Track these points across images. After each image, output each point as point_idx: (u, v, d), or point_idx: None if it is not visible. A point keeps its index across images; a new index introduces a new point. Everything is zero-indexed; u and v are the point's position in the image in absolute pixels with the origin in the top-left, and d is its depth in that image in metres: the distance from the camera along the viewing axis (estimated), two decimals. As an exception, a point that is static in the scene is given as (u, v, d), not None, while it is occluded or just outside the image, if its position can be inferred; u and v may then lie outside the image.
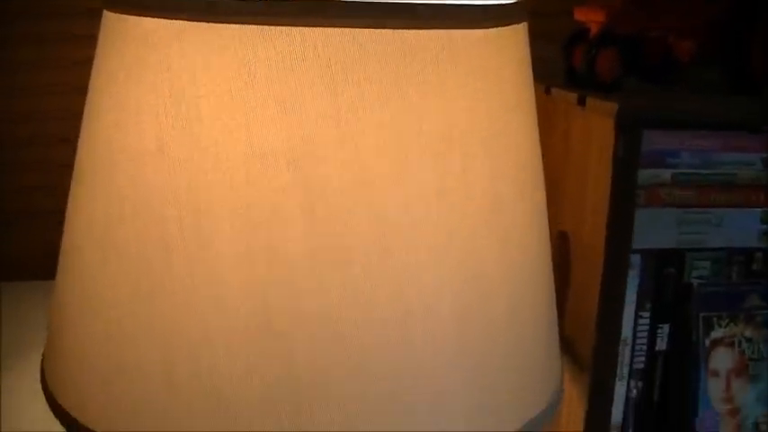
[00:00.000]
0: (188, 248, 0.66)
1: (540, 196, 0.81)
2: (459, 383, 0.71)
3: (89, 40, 1.31)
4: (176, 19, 0.65)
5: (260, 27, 0.63)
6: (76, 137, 1.31)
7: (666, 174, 1.06)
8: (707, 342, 1.12)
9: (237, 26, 0.63)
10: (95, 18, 0.78)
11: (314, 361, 0.66)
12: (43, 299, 1.37)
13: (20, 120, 1.33)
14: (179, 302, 0.67)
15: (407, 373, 0.68)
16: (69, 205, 0.79)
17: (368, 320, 0.67)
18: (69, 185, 1.32)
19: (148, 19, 0.67)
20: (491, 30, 0.71)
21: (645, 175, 1.04)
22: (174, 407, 0.68)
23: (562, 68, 1.17)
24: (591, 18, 1.09)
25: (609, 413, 1.09)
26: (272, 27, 0.63)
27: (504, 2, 0.75)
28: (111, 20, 0.72)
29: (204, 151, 0.65)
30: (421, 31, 0.66)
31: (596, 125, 1.02)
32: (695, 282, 1.11)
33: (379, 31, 0.64)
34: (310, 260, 0.65)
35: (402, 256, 0.67)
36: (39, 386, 1.33)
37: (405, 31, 0.65)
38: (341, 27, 0.64)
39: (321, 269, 0.65)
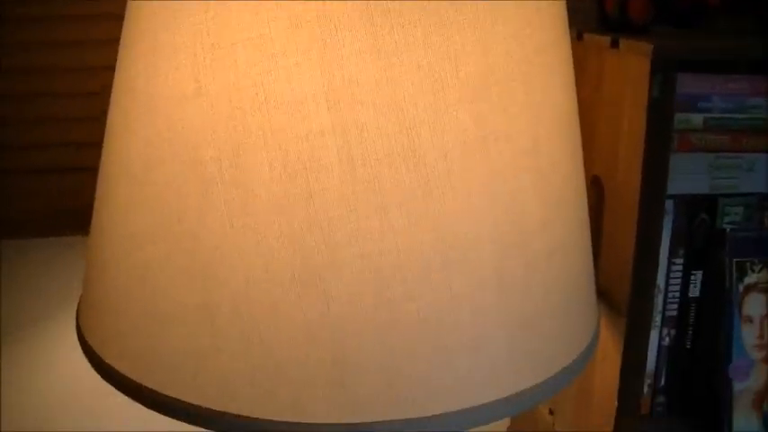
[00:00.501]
0: (227, 190, 0.66)
1: (576, 139, 0.80)
2: (500, 327, 0.71)
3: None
4: (211, -40, 0.65)
5: (297, -34, 0.63)
6: (81, 92, 1.31)
7: (698, 118, 1.05)
8: (740, 288, 1.11)
9: (274, -34, 0.63)
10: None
11: (352, 307, 0.66)
12: (44, 256, 1.37)
13: (22, 76, 1.33)
14: (217, 244, 0.67)
15: (447, 318, 0.68)
16: (105, 150, 0.78)
17: (407, 267, 0.66)
18: (73, 142, 1.33)
19: (183, -39, 0.66)
20: (528, -32, 0.70)
21: (677, 119, 1.03)
22: (214, 349, 0.68)
23: (592, 17, 1.16)
24: (623, -39, 1.08)
25: (644, 359, 1.09)
26: (311, -34, 0.62)
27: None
28: (143, -36, 0.72)
29: (242, 93, 0.64)
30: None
31: (630, 67, 1.01)
32: (728, 227, 1.10)
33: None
34: (349, 205, 0.65)
35: (441, 201, 0.66)
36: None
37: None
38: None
39: (359, 216, 0.65)
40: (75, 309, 1.26)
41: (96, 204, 0.81)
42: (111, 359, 0.76)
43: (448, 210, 0.66)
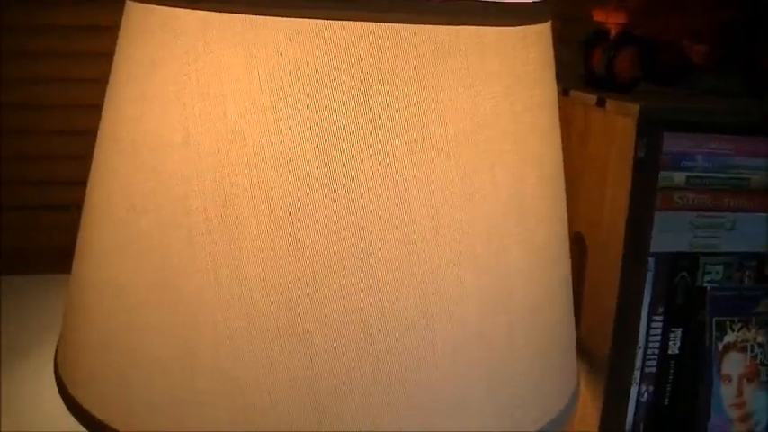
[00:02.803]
0: (212, 241, 0.65)
1: (561, 196, 0.80)
2: (481, 385, 0.71)
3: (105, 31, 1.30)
4: (203, 9, 0.64)
5: (290, 20, 0.62)
6: (77, 129, 1.31)
7: (681, 177, 1.06)
8: (719, 346, 1.11)
9: (266, 18, 0.63)
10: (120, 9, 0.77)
11: (335, 361, 0.66)
12: (42, 293, 1.36)
13: (23, 110, 1.32)
14: (201, 295, 0.66)
15: (430, 374, 0.68)
16: (88, 194, 0.78)
17: (391, 322, 0.66)
18: (72, 178, 1.32)
19: (174, 9, 0.66)
20: (518, 28, 0.70)
21: (659, 177, 1.03)
22: (195, 400, 0.68)
23: (578, 72, 1.17)
24: (610, 20, 1.09)
25: (624, 417, 1.09)
26: (303, 20, 0.62)
27: (529, 0, 0.75)
28: (134, 9, 0.72)
29: (231, 144, 0.64)
30: (451, 28, 0.65)
31: (616, 126, 1.02)
32: (708, 286, 1.11)
33: (410, 26, 0.64)
34: (335, 261, 0.64)
35: (427, 259, 0.66)
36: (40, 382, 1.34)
37: (435, 27, 0.64)
38: (371, 21, 0.63)
39: (345, 271, 0.65)
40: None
41: (78, 246, 0.80)
42: (87, 404, 0.76)
43: (433, 266, 0.66)
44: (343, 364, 0.66)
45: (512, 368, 0.73)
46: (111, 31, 1.28)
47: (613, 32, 1.09)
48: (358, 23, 0.63)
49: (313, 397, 0.66)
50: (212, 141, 0.65)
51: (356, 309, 0.65)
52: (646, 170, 0.99)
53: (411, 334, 0.67)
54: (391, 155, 0.64)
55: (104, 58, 1.30)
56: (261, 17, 0.63)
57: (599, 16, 1.11)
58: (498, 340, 0.71)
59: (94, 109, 1.30)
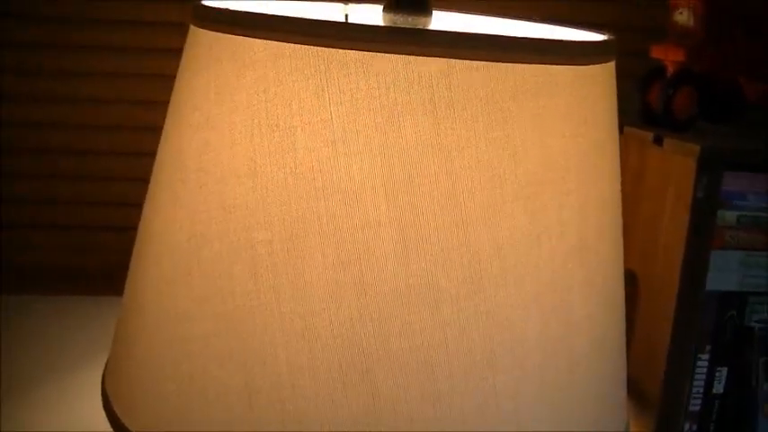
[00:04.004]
0: (277, 274, 0.65)
1: (619, 237, 0.80)
2: (540, 427, 0.70)
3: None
4: (275, 40, 0.64)
5: (362, 53, 0.62)
6: (107, 150, 1.32)
7: (732, 215, 1.05)
8: (766, 387, 1.10)
9: (339, 51, 0.62)
10: (177, 32, 0.77)
11: (397, 399, 0.65)
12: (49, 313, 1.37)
13: (55, 130, 1.34)
14: (265, 328, 0.66)
15: (491, 414, 0.67)
16: (145, 219, 0.78)
17: (454, 361, 0.65)
18: (85, 197, 1.33)
19: (245, 38, 0.66)
20: (588, 66, 0.70)
21: (711, 216, 1.03)
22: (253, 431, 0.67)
23: (630, 107, 1.16)
24: (669, 57, 1.08)
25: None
26: (376, 54, 0.62)
27: (595, 38, 0.75)
28: (200, 36, 0.72)
29: (299, 177, 0.64)
30: (523, 66, 0.65)
31: (674, 165, 1.01)
32: (756, 326, 1.10)
33: (482, 63, 0.63)
34: (401, 298, 0.64)
35: (492, 299, 0.66)
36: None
37: (507, 65, 0.64)
38: (444, 57, 0.63)
39: (410, 308, 0.64)
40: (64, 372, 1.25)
41: (133, 272, 0.80)
42: (137, 429, 0.75)
43: (498, 307, 0.66)
44: (405, 402, 0.65)
45: (570, 410, 0.72)
46: (161, 51, 1.30)
47: (671, 70, 1.08)
48: (431, 59, 0.62)
49: (373, 434, 0.66)
50: (280, 174, 0.64)
51: (420, 347, 0.64)
52: (704, 210, 0.99)
53: (473, 374, 0.66)
54: (460, 192, 0.64)
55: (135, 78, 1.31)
56: (334, 50, 0.62)
57: (657, 53, 1.10)
58: (559, 383, 0.70)
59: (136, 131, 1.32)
